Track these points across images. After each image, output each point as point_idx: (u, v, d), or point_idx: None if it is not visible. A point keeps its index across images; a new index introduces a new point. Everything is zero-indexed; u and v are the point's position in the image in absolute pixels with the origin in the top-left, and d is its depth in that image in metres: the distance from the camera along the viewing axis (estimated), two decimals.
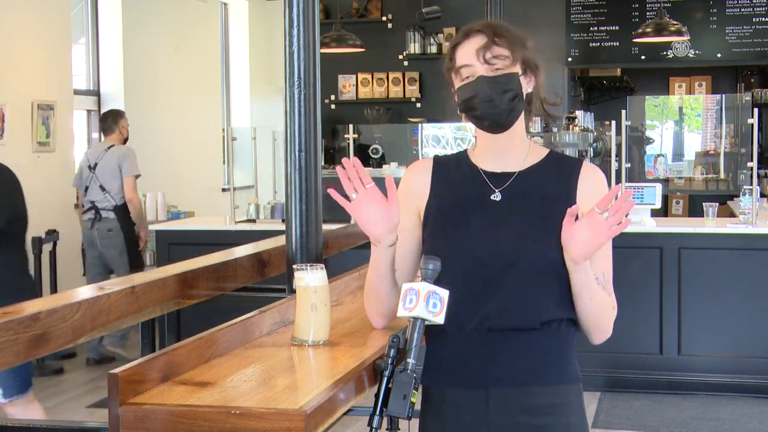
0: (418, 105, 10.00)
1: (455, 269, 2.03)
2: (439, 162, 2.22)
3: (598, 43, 9.68)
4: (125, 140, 7.22)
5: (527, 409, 2.06)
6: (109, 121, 7.18)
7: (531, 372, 2.06)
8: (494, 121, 2.09)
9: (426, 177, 2.20)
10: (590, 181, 2.12)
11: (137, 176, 7.04)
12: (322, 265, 2.32)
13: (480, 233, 2.08)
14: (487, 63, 2.06)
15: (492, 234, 2.07)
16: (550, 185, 2.12)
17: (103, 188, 6.92)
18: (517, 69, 2.09)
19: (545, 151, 2.19)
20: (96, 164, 6.96)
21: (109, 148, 7.02)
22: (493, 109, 2.07)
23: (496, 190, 2.12)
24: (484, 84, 2.06)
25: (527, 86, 2.12)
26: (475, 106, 2.07)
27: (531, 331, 2.05)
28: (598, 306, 2.07)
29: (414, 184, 2.20)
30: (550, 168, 2.15)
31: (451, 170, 2.19)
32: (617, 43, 9.63)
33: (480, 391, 2.07)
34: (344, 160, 2.09)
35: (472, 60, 2.07)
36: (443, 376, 2.09)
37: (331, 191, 2.14)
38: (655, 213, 6.49)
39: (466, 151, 2.22)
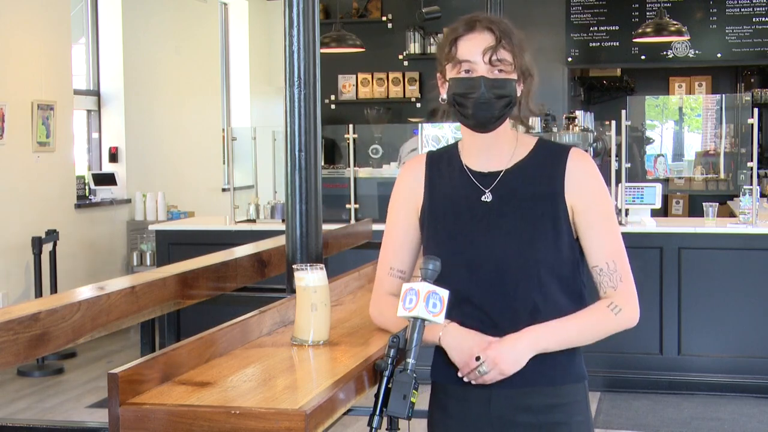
0: (418, 105, 9.99)
1: (452, 273, 2.03)
2: (432, 158, 2.21)
3: (598, 43, 9.67)
4: None
5: (529, 408, 2.08)
6: None
7: (533, 372, 2.06)
8: (480, 123, 2.08)
9: (420, 175, 2.19)
10: (576, 173, 2.10)
11: None
12: (322, 265, 2.32)
13: (473, 237, 2.09)
14: (491, 65, 2.05)
15: (484, 237, 2.08)
16: (538, 181, 2.10)
17: None
18: (515, 75, 2.08)
19: (533, 141, 2.16)
20: None
21: None
22: (485, 111, 2.05)
23: (486, 191, 2.11)
24: (483, 85, 2.04)
25: (518, 91, 2.11)
26: (467, 103, 2.06)
27: None
28: (586, 339, 2.13)
29: (409, 184, 2.20)
30: (538, 160, 2.13)
31: (443, 168, 2.18)
32: (617, 43, 9.63)
33: (483, 389, 2.08)
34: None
35: (476, 57, 2.05)
36: (449, 373, 2.11)
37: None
38: (655, 213, 6.49)
39: (457, 144, 2.21)
